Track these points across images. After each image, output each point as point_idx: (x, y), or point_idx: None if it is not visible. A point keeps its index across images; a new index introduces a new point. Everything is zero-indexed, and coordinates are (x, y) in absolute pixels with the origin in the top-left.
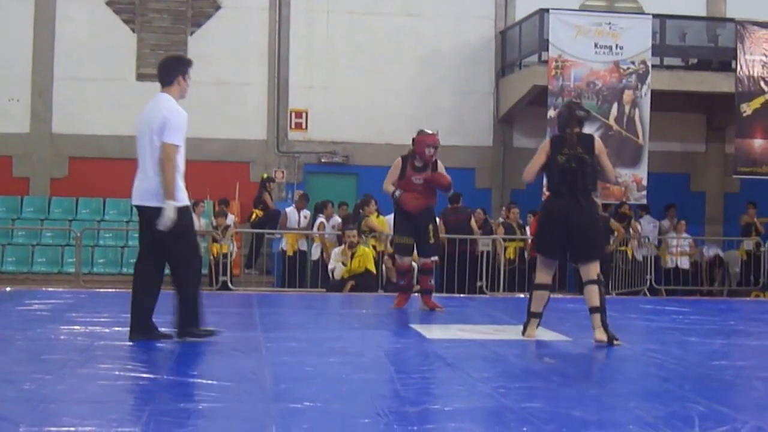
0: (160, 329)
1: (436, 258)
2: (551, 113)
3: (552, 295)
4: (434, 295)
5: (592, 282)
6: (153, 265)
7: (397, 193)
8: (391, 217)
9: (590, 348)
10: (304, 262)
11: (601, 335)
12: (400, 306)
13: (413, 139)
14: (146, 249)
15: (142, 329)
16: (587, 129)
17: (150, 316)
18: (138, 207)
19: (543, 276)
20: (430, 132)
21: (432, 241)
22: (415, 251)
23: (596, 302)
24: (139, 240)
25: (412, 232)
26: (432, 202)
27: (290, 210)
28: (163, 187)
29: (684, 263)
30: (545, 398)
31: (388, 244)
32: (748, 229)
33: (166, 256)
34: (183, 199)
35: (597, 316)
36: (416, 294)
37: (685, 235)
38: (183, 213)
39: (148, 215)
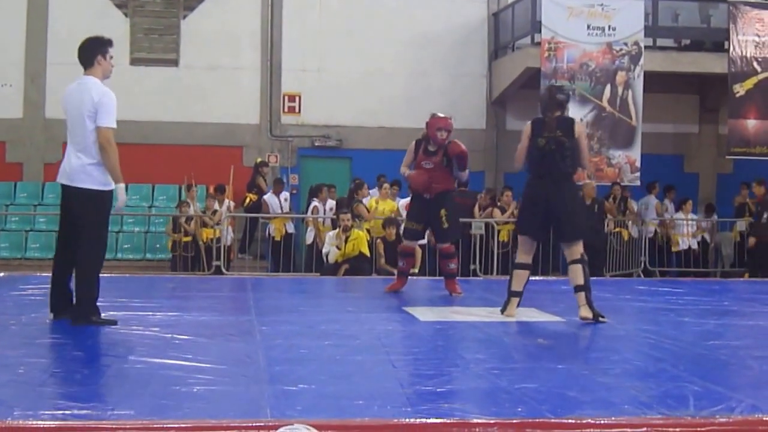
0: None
1: (450, 244)
2: None
3: (545, 277)
4: (428, 277)
5: (575, 261)
6: (72, 245)
7: (407, 173)
8: (402, 201)
9: (584, 329)
10: (295, 245)
11: (586, 312)
12: (393, 289)
13: (426, 123)
14: (65, 229)
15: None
16: (579, 109)
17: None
18: (63, 186)
19: (524, 256)
20: (442, 115)
21: (446, 225)
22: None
23: (580, 281)
24: (60, 219)
25: (424, 218)
26: (448, 187)
27: (269, 197)
28: (109, 171)
29: (695, 244)
30: (539, 379)
31: (381, 228)
32: (741, 210)
33: (81, 238)
34: (109, 182)
35: (582, 295)
36: (414, 277)
37: (692, 216)
38: (106, 197)
39: (68, 195)
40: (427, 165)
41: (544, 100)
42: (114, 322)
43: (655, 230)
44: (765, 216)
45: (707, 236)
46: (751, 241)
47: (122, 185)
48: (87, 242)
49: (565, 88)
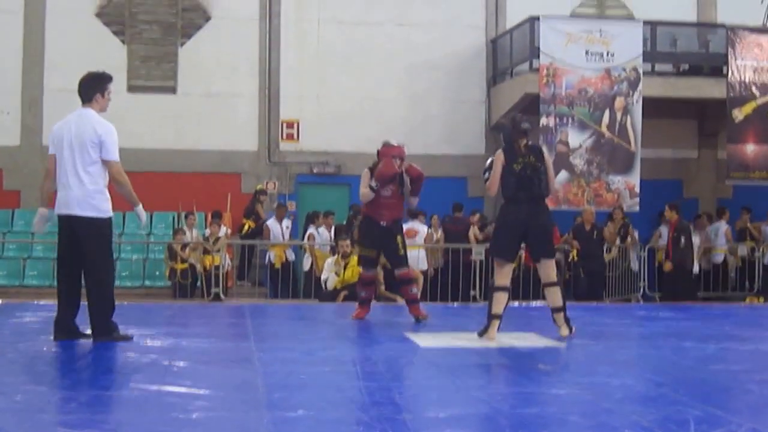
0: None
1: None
2: (544, 121)
3: (546, 303)
4: (428, 303)
5: (553, 284)
6: (77, 271)
7: (374, 184)
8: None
9: (585, 354)
10: (294, 272)
11: (566, 331)
12: (359, 317)
13: (378, 151)
14: (70, 257)
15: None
16: (578, 135)
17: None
18: (65, 216)
19: (503, 279)
20: (395, 143)
21: (402, 252)
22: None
23: (559, 302)
24: (62, 248)
25: (377, 244)
26: (401, 215)
27: (271, 222)
28: (126, 197)
29: (696, 268)
30: (541, 404)
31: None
32: (742, 235)
33: (89, 264)
34: (109, 210)
35: (561, 315)
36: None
37: (696, 239)
38: (108, 224)
39: (73, 224)
40: (385, 193)
41: (507, 129)
42: (130, 338)
43: (725, 257)
44: (683, 240)
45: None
46: (668, 265)
47: (140, 206)
48: (99, 267)
49: (524, 117)
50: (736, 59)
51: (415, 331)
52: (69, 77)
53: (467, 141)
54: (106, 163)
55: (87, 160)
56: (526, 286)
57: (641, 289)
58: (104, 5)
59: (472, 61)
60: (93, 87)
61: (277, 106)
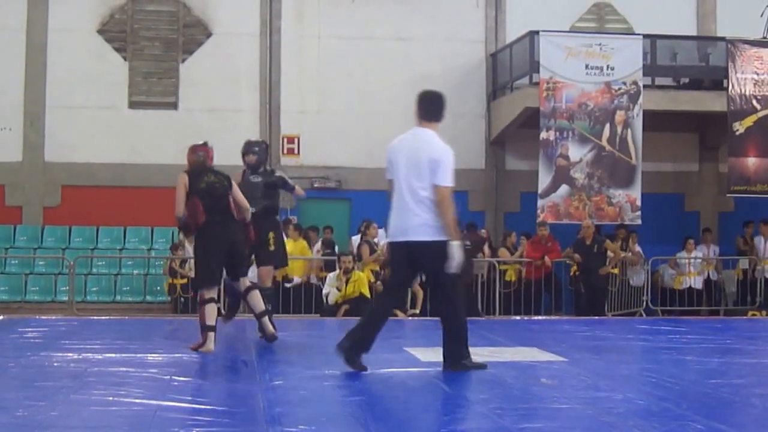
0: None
1: None
2: (544, 135)
3: (548, 317)
4: (426, 317)
5: (253, 288)
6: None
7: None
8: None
9: (587, 368)
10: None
11: (273, 329)
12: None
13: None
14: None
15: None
16: (578, 149)
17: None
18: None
19: (212, 292)
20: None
21: None
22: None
23: (263, 306)
24: (395, 274)
25: None
26: None
27: None
28: (444, 227)
29: (698, 283)
30: (543, 418)
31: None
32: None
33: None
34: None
35: (266, 318)
36: (415, 317)
37: (695, 254)
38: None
39: (417, 249)
40: None
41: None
42: (484, 366)
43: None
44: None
45: (713, 273)
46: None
47: (455, 244)
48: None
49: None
50: (736, 72)
51: (416, 346)
52: (71, 94)
53: (467, 155)
54: (434, 186)
55: (425, 184)
56: (528, 301)
57: (644, 303)
58: (106, 22)
59: (471, 75)
60: (443, 108)
61: (278, 121)
